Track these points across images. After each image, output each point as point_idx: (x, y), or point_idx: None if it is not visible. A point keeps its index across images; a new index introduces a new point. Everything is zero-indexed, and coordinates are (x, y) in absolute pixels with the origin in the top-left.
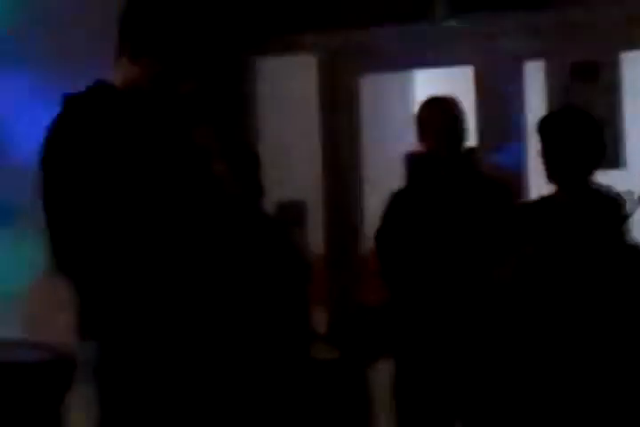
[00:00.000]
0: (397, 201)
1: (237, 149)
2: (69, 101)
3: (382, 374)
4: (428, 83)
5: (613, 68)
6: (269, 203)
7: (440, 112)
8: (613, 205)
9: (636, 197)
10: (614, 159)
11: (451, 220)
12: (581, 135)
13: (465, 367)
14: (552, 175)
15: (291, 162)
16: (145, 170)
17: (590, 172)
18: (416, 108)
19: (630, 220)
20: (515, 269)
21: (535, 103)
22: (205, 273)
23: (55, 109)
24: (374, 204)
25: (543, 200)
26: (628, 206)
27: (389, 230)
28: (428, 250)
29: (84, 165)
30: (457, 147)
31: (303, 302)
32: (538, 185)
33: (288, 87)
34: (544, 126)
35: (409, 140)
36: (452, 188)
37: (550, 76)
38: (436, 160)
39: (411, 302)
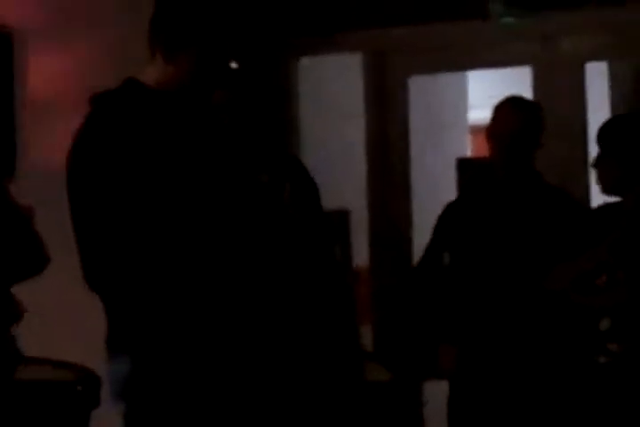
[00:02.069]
0: (452, 212)
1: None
2: (99, 100)
3: (435, 394)
4: (482, 84)
5: None
6: None
7: (511, 114)
8: None
9: None
10: None
11: (512, 230)
12: None
13: (523, 388)
14: (610, 186)
15: (334, 168)
16: (180, 176)
17: None
18: (469, 111)
19: None
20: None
21: (597, 107)
22: (244, 290)
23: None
24: (424, 213)
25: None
26: None
27: (442, 245)
28: (489, 264)
29: (114, 168)
30: (523, 153)
31: (349, 322)
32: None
33: (332, 89)
34: (604, 133)
35: (462, 145)
36: (512, 197)
37: (613, 78)
38: (497, 166)
39: (469, 320)
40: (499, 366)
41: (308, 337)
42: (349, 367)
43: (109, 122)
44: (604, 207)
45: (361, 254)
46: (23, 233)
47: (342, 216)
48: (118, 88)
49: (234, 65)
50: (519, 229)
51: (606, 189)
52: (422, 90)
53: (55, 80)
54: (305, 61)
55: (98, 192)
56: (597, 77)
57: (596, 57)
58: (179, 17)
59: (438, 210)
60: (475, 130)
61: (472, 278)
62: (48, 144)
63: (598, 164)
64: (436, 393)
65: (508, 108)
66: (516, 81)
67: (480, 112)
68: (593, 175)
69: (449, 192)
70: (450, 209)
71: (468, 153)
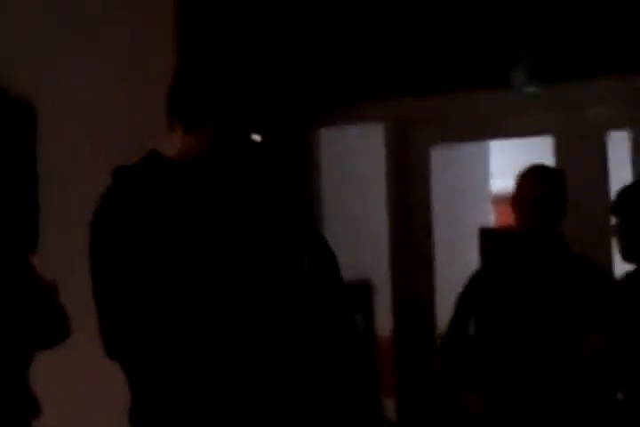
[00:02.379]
0: (477, 282)
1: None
2: (121, 173)
3: None
4: (504, 153)
5: None
6: None
7: (535, 182)
8: None
9: None
10: None
11: (537, 301)
12: None
13: None
14: (630, 254)
15: (357, 238)
16: (203, 249)
17: None
18: (491, 180)
19: None
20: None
21: (620, 177)
22: (264, 365)
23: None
24: (446, 282)
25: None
26: None
27: (468, 316)
28: (515, 335)
29: (136, 241)
30: (548, 222)
31: (371, 393)
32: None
33: (355, 159)
34: (620, 202)
35: (484, 215)
36: (538, 267)
37: (636, 147)
38: (522, 235)
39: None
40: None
41: (330, 411)
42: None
43: (130, 196)
44: (632, 275)
45: (384, 325)
46: (47, 306)
47: (365, 286)
48: (140, 161)
49: (256, 137)
50: (544, 299)
51: (625, 257)
52: (445, 159)
53: (74, 151)
54: (327, 132)
55: (118, 267)
56: (620, 146)
57: (618, 126)
58: (198, 89)
59: (461, 280)
60: (497, 199)
61: (497, 349)
62: (68, 217)
63: (617, 232)
64: None
65: (533, 175)
66: (539, 150)
67: (502, 181)
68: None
69: (472, 262)
70: (475, 279)
71: (491, 222)
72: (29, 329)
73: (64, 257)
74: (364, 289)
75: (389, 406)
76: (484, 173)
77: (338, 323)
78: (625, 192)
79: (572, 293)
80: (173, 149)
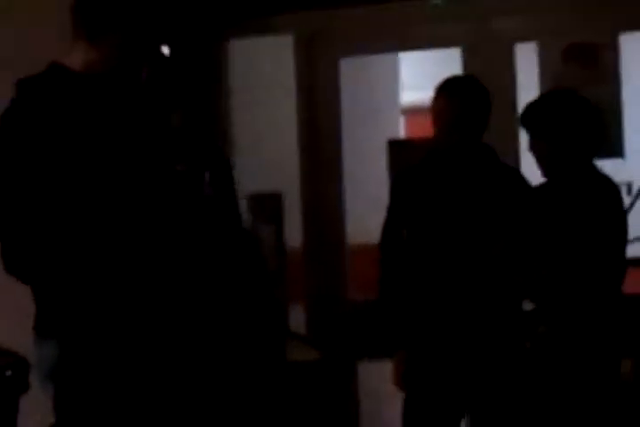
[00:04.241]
0: (405, 185)
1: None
2: (23, 84)
3: (369, 375)
4: (415, 65)
5: (613, 50)
6: (243, 195)
7: (449, 97)
8: (613, 191)
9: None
10: (614, 148)
11: (460, 207)
12: (571, 118)
13: (474, 361)
14: (548, 168)
15: (266, 150)
16: (103, 160)
17: (587, 160)
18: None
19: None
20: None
21: (527, 88)
22: (161, 272)
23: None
24: (356, 195)
25: (543, 187)
26: (626, 199)
27: (398, 219)
28: (441, 240)
29: (37, 151)
30: (469, 135)
31: (269, 302)
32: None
33: (263, 71)
34: (527, 116)
35: (394, 127)
36: (462, 175)
37: (542, 59)
38: (442, 146)
39: (420, 295)
40: (446, 340)
41: (223, 315)
42: (268, 345)
43: (31, 107)
44: (544, 185)
45: (294, 236)
46: None
47: (275, 199)
48: (42, 73)
49: (164, 49)
50: (467, 205)
51: (545, 173)
52: (354, 72)
53: None
54: (237, 44)
55: (15, 176)
56: (528, 58)
57: (526, 38)
58: (100, 1)
59: (369, 191)
60: (408, 111)
61: (426, 253)
62: None
63: (531, 148)
64: (371, 373)
65: (449, 88)
66: (449, 61)
67: (414, 93)
68: (525, 157)
69: (380, 174)
70: (402, 180)
71: (402, 134)
72: None
73: None
74: (275, 201)
75: (300, 318)
76: (393, 86)
77: (234, 229)
78: (532, 105)
79: (494, 200)
80: (78, 61)
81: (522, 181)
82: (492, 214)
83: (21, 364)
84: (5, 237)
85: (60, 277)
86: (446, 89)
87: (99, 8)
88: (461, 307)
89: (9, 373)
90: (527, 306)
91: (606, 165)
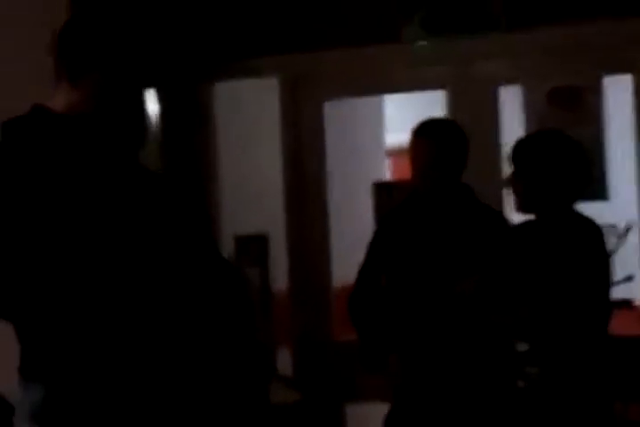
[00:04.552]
0: (382, 236)
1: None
2: (5, 127)
3: (356, 416)
4: (399, 107)
5: (596, 93)
6: (229, 237)
7: (425, 140)
8: (597, 233)
9: (620, 230)
10: (598, 190)
11: (436, 247)
12: (560, 159)
13: (461, 406)
14: (525, 205)
15: (252, 193)
16: (89, 203)
17: (572, 201)
18: (386, 134)
19: (613, 255)
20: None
21: (511, 131)
22: (148, 313)
23: None
24: (341, 236)
25: (523, 225)
26: (612, 241)
27: (377, 265)
28: (419, 280)
29: (20, 196)
30: (447, 175)
31: (254, 345)
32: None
33: (249, 114)
34: (515, 153)
35: (380, 169)
36: (441, 219)
37: (527, 102)
38: (420, 188)
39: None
40: (432, 380)
41: (208, 359)
42: (253, 388)
43: (12, 150)
44: (522, 225)
45: (280, 279)
46: None
47: (261, 241)
48: (24, 115)
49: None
50: (442, 246)
51: (520, 208)
52: (338, 115)
53: None
54: (222, 86)
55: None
56: (511, 102)
57: (510, 80)
58: (80, 40)
59: (355, 234)
60: (393, 153)
61: (405, 295)
62: None
63: (511, 183)
64: (358, 415)
65: (425, 130)
66: (433, 104)
67: (397, 135)
68: (507, 197)
69: (366, 216)
70: (382, 224)
71: (387, 176)
72: None
73: None
74: (260, 243)
75: (286, 360)
76: (378, 128)
77: (220, 268)
78: (522, 142)
79: (468, 238)
80: (60, 102)
81: (501, 221)
82: (468, 255)
83: (4, 406)
84: None
85: (47, 315)
86: (422, 132)
87: (79, 46)
88: (445, 351)
89: None
90: (521, 347)
91: (590, 208)
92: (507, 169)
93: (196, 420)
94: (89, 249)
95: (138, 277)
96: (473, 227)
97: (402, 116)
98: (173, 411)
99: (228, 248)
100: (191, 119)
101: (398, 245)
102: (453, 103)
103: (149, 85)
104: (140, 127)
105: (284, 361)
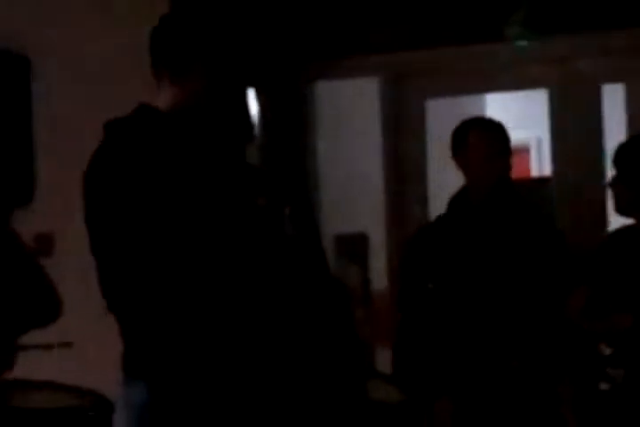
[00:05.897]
0: (423, 238)
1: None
2: (112, 126)
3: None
4: (500, 106)
5: None
6: (328, 236)
7: (485, 137)
8: None
9: None
10: None
11: (489, 256)
12: None
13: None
14: (626, 207)
15: (353, 192)
16: (195, 200)
17: None
18: None
19: None
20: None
21: (615, 129)
22: (252, 312)
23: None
24: None
25: (622, 231)
26: None
27: (423, 274)
28: (473, 292)
29: (131, 195)
30: (497, 176)
31: (354, 344)
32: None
33: (351, 112)
34: (620, 155)
35: None
36: (491, 223)
37: (631, 100)
38: (472, 191)
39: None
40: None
41: (306, 359)
42: (349, 384)
43: (122, 149)
44: (621, 230)
45: (380, 278)
46: (39, 283)
47: (361, 240)
48: (130, 114)
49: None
50: (496, 254)
51: (620, 210)
52: (440, 113)
53: (71, 104)
54: (323, 85)
55: (114, 219)
56: (614, 99)
57: (612, 79)
58: (182, 36)
59: None
60: None
61: (457, 307)
62: (64, 169)
63: (613, 184)
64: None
65: (478, 131)
66: (536, 101)
67: None
68: (610, 198)
69: None
70: (423, 236)
71: None
72: (21, 308)
73: (59, 211)
74: (360, 242)
75: (387, 359)
76: None
77: (317, 270)
78: (626, 144)
79: (524, 246)
80: (165, 101)
81: (550, 225)
82: (521, 263)
83: (105, 405)
84: (105, 270)
85: (150, 312)
86: (487, 126)
87: (180, 43)
88: (498, 358)
89: (92, 414)
90: (606, 350)
91: None
92: (610, 169)
93: (299, 416)
94: (199, 248)
95: (246, 270)
96: (522, 234)
97: (504, 115)
98: (275, 408)
99: (328, 247)
100: (292, 118)
101: (448, 251)
102: (556, 102)
103: (251, 82)
104: (245, 122)
105: (384, 359)
